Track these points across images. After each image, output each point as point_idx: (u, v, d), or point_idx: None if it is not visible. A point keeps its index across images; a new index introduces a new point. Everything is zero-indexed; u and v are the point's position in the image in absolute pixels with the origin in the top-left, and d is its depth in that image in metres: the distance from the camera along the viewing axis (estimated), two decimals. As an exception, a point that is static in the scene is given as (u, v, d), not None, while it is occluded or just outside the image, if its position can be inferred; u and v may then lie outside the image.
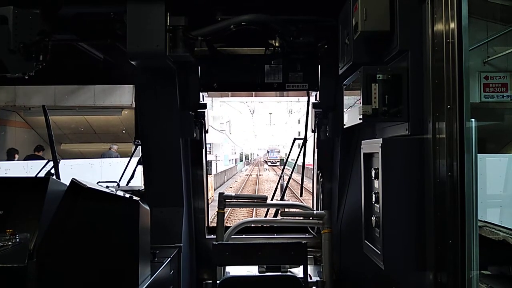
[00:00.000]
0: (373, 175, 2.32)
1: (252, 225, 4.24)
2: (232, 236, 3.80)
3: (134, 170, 4.03)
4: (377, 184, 2.29)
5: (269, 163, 66.67)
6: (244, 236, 3.99)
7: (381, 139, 2.20)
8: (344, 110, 2.74)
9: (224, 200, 3.78)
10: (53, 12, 2.87)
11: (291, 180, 5.85)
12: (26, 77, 2.84)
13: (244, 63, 3.62)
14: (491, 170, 7.23)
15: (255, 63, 3.62)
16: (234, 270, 3.79)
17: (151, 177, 3.49)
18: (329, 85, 3.65)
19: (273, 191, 4.93)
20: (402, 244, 2.16)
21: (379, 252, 2.22)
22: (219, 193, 3.84)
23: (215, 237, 3.77)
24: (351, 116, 2.52)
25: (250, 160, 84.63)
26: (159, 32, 2.73)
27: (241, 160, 64.96)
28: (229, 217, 15.39)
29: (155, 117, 3.37)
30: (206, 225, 4.05)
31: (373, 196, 2.33)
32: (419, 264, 2.12)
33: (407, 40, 2.16)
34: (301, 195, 7.12)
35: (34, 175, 3.49)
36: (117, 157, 12.48)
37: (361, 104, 2.22)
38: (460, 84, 1.87)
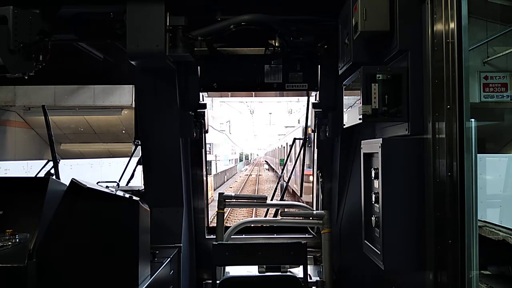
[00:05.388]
0: (373, 175, 2.33)
1: (252, 225, 4.23)
2: (232, 236, 3.80)
3: (134, 170, 4.03)
4: (377, 184, 2.29)
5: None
6: (244, 236, 3.98)
7: (381, 139, 2.20)
8: (344, 110, 2.74)
9: (224, 200, 3.78)
10: (53, 12, 2.87)
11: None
12: (26, 77, 2.84)
13: (244, 63, 3.62)
14: (490, 170, 7.24)
15: (255, 63, 3.62)
16: (234, 270, 3.78)
17: (151, 177, 3.49)
18: (329, 85, 3.65)
19: (273, 191, 4.93)
20: (402, 244, 2.16)
21: (379, 252, 2.22)
22: (219, 193, 3.84)
23: (215, 237, 3.77)
24: (351, 116, 2.52)
25: (250, 160, 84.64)
26: (159, 32, 2.73)
27: (240, 160, 64.96)
28: (229, 217, 15.40)
29: (155, 117, 3.37)
30: (206, 225, 4.04)
31: (373, 196, 2.33)
32: (419, 264, 2.12)
33: (407, 40, 2.16)
34: (301, 195, 7.11)
35: (34, 175, 3.49)
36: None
37: (361, 104, 2.22)
38: (460, 84, 1.87)
